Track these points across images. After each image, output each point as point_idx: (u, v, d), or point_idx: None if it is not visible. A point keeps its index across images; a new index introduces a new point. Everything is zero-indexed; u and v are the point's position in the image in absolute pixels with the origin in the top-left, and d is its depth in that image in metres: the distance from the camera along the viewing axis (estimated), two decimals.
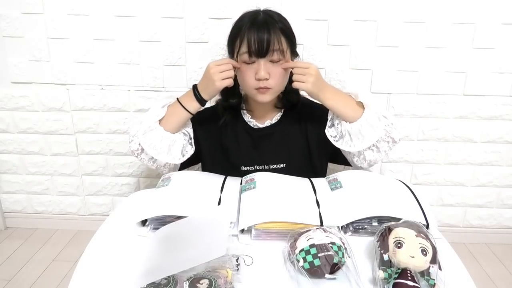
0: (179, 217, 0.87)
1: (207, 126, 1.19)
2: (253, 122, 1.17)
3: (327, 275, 0.70)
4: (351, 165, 1.18)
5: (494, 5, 1.50)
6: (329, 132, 1.11)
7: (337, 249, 0.72)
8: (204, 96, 1.10)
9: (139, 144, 1.10)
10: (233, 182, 1.03)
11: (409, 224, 0.75)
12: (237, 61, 1.07)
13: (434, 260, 0.69)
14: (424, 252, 0.68)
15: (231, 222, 0.87)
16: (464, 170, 1.74)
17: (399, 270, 0.67)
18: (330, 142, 1.10)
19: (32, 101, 1.70)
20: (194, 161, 1.20)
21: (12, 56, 1.64)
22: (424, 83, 1.61)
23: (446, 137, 1.69)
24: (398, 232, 0.71)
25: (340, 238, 0.76)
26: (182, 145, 1.13)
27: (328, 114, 1.12)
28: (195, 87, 1.11)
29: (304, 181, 1.03)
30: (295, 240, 0.77)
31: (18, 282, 1.55)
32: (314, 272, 0.71)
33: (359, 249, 0.80)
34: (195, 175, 1.11)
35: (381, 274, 0.68)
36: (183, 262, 0.70)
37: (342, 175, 1.03)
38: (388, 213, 0.85)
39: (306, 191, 0.97)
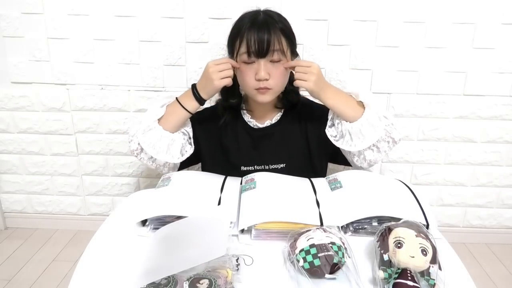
0: (179, 217, 0.87)
1: (207, 126, 1.19)
2: (253, 122, 1.17)
3: (327, 275, 0.70)
4: (351, 165, 1.18)
5: (494, 5, 1.50)
6: (330, 132, 1.11)
7: (337, 249, 0.72)
8: (203, 95, 1.10)
9: (139, 143, 1.10)
10: (233, 182, 1.03)
11: (409, 224, 0.75)
12: (237, 61, 1.07)
13: (434, 260, 0.69)
14: (424, 252, 0.68)
15: (231, 222, 0.87)
16: (464, 170, 1.74)
17: (399, 270, 0.67)
18: (330, 142, 1.10)
19: (32, 101, 1.70)
20: (193, 161, 1.20)
21: (12, 56, 1.64)
22: (424, 83, 1.61)
23: (446, 137, 1.69)
24: (398, 232, 0.71)
25: (340, 238, 0.76)
26: (181, 144, 1.13)
27: (329, 114, 1.12)
28: (194, 87, 1.11)
29: (304, 181, 1.03)
30: (295, 240, 0.77)
31: (18, 282, 1.55)
32: (314, 272, 0.71)
33: (359, 249, 0.80)
34: (195, 175, 1.11)
35: (381, 274, 0.68)
36: (183, 262, 0.70)
37: (342, 175, 1.03)
38: (388, 213, 0.85)
39: (306, 191, 0.97)
